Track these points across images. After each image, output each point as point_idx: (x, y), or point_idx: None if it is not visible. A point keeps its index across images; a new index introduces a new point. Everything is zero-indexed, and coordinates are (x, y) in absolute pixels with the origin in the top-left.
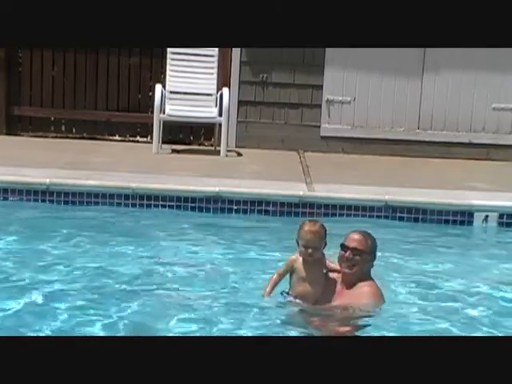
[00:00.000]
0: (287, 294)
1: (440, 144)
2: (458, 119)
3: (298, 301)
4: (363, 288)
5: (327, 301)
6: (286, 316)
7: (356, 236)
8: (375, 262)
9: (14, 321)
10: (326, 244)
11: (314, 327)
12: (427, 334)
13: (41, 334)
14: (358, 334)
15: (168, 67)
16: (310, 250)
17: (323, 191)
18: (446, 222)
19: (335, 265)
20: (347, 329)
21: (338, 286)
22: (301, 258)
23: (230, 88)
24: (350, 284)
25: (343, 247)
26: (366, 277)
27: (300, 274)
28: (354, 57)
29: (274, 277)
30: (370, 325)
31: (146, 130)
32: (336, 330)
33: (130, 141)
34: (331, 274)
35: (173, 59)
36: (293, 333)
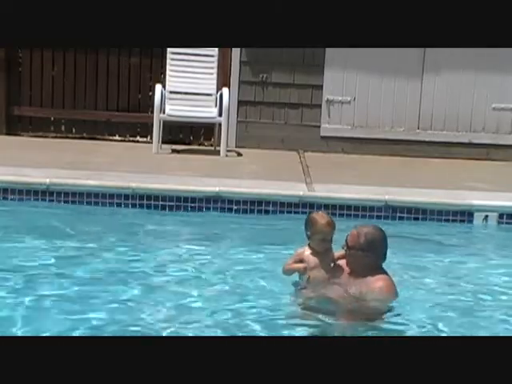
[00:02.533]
0: (300, 283)
1: (440, 144)
2: (458, 119)
3: (310, 287)
4: (375, 282)
5: (336, 286)
6: (300, 306)
7: (353, 231)
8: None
9: (10, 321)
10: None
11: (328, 316)
12: (425, 334)
13: (38, 334)
14: (366, 323)
15: (168, 67)
16: (327, 243)
17: (323, 191)
18: (446, 221)
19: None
20: (357, 318)
21: (345, 274)
22: (308, 250)
23: (229, 88)
24: (352, 272)
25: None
26: (365, 270)
27: (310, 264)
28: (354, 57)
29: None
30: (376, 319)
31: (146, 130)
32: (347, 319)
33: (130, 141)
34: (339, 262)
35: (173, 59)
36: (306, 324)
